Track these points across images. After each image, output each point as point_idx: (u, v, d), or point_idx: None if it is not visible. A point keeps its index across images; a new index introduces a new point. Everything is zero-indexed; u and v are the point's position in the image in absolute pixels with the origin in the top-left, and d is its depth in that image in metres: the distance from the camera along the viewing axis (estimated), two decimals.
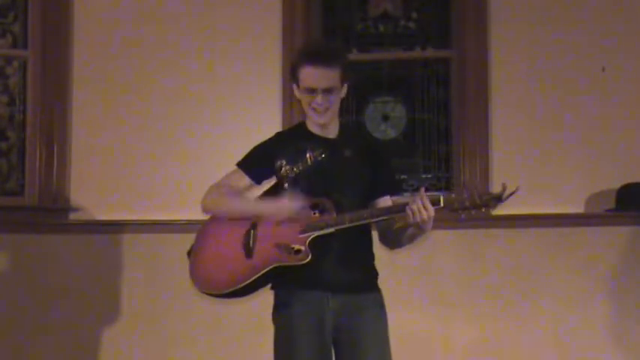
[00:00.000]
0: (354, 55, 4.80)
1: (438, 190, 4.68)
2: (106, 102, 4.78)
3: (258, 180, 2.87)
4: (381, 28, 4.86)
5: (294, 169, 2.79)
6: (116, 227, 4.62)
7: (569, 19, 4.53)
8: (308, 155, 2.79)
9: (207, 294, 2.81)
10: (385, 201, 2.84)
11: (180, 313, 4.52)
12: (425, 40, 4.82)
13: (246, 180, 2.87)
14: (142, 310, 4.58)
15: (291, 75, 2.83)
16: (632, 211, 4.30)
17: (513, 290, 4.41)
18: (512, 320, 4.40)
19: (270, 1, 4.69)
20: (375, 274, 2.86)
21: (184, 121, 4.70)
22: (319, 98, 2.74)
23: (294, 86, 2.83)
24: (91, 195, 4.72)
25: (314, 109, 2.77)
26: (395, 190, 2.90)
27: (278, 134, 2.98)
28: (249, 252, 2.73)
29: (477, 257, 4.45)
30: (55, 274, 4.62)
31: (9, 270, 4.62)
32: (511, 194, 2.55)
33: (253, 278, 2.70)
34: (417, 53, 4.82)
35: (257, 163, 2.87)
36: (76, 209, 4.72)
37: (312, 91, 2.75)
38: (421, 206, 2.57)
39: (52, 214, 4.71)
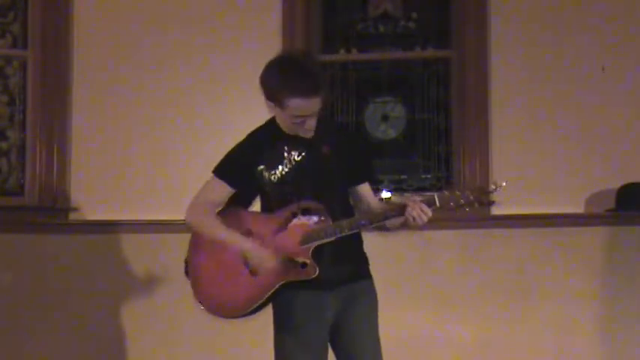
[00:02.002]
0: (354, 55, 4.81)
1: (439, 190, 4.67)
2: (106, 102, 4.78)
3: (238, 187, 2.83)
4: (381, 28, 4.86)
5: (277, 174, 2.76)
6: (116, 227, 4.62)
7: (569, 19, 4.53)
8: (286, 157, 2.77)
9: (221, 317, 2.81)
10: (364, 189, 2.87)
11: (180, 313, 4.51)
12: (425, 40, 4.81)
13: (226, 188, 2.82)
14: (142, 310, 4.58)
15: (270, 97, 2.68)
16: (632, 211, 4.30)
17: (513, 290, 4.41)
18: (512, 320, 4.40)
19: (270, 1, 4.70)
20: (366, 261, 2.90)
21: (184, 121, 4.70)
22: (311, 122, 2.70)
23: (269, 103, 2.71)
24: (91, 195, 4.72)
25: (304, 130, 2.72)
26: (372, 176, 2.96)
27: (251, 137, 2.87)
28: (253, 270, 2.71)
29: (476, 257, 4.45)
30: (55, 274, 4.62)
31: (9, 270, 4.62)
32: (498, 187, 2.64)
33: (264, 299, 2.70)
34: (417, 53, 4.82)
35: (235, 170, 2.82)
36: (76, 209, 4.72)
37: (301, 117, 2.68)
38: (420, 212, 2.61)
39: (52, 214, 4.71)
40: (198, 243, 2.86)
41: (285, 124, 2.75)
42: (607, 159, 4.45)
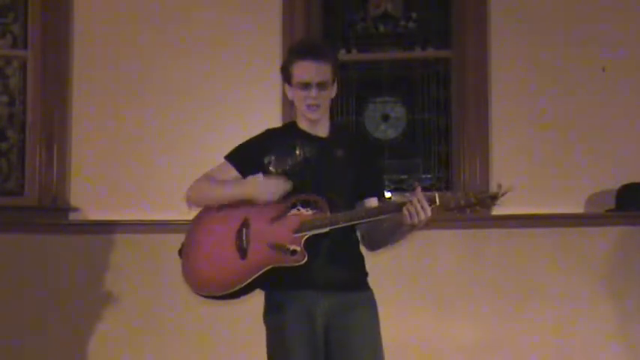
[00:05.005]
0: (354, 55, 4.81)
1: (438, 190, 4.68)
2: (106, 102, 4.78)
3: (245, 174, 2.85)
4: (381, 28, 4.86)
5: (284, 167, 2.79)
6: (116, 227, 4.62)
7: (569, 19, 4.53)
8: (297, 152, 2.80)
9: (202, 296, 2.80)
10: (371, 202, 2.82)
11: (179, 313, 4.52)
12: (425, 40, 4.82)
13: (233, 173, 2.85)
14: (142, 310, 4.58)
15: (283, 74, 2.84)
16: (632, 211, 4.30)
17: (513, 290, 4.41)
18: (512, 320, 4.40)
19: (270, 1, 4.70)
20: (364, 273, 2.86)
21: (184, 121, 4.71)
22: (314, 92, 2.75)
23: (287, 86, 2.84)
24: (91, 195, 4.72)
25: (308, 106, 2.78)
26: (381, 192, 2.88)
27: (268, 130, 2.95)
28: (243, 253, 2.71)
29: (476, 257, 4.45)
30: (55, 274, 4.62)
31: (9, 270, 4.62)
32: (505, 193, 2.56)
33: (249, 280, 2.68)
34: (417, 53, 4.82)
35: (246, 157, 2.87)
36: (75, 209, 4.72)
37: (306, 85, 2.76)
38: (419, 207, 2.57)
39: (52, 214, 4.71)
40: (198, 223, 2.86)
41: (298, 104, 2.82)
42: (607, 159, 4.45)
